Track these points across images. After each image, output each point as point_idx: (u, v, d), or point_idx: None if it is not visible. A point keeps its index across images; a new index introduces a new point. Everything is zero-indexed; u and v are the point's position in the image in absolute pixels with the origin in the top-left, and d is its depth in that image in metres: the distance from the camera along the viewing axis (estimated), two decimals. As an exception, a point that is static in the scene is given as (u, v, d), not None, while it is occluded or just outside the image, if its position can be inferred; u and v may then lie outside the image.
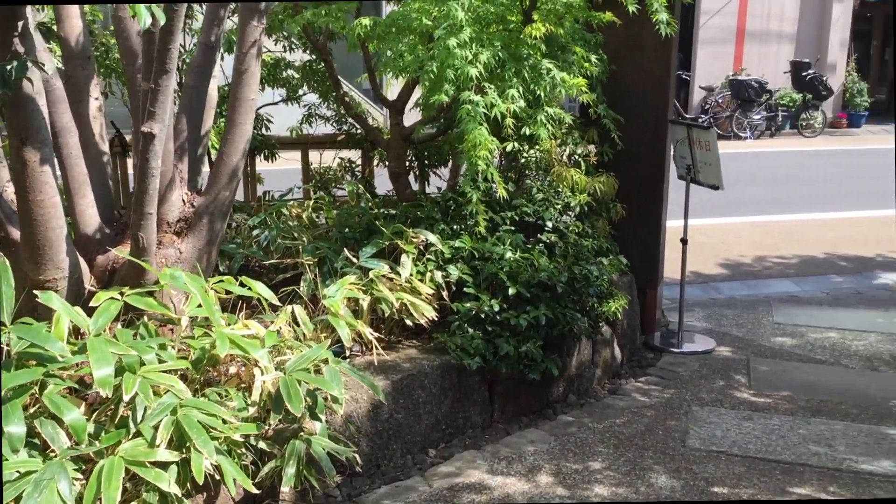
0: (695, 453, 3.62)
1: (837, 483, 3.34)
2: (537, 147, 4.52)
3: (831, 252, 7.67)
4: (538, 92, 3.89)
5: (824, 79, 15.26)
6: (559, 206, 4.56)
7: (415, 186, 5.10)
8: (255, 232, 4.24)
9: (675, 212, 5.37)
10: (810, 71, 15.23)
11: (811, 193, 10.13)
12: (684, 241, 5.18)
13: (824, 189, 10.40)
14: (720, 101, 15.14)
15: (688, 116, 14.78)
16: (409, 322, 3.74)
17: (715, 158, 4.88)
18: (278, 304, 3.30)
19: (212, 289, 3.12)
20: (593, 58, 4.31)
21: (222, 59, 4.37)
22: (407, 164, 4.97)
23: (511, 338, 3.77)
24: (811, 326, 5.55)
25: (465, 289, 3.85)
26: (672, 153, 5.23)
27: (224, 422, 2.68)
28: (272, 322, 3.28)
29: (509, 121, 3.76)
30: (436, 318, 3.75)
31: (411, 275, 3.80)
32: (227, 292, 3.22)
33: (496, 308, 3.78)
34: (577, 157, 4.73)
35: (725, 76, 15.48)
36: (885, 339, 5.28)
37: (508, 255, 4.00)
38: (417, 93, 4.54)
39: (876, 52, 19.04)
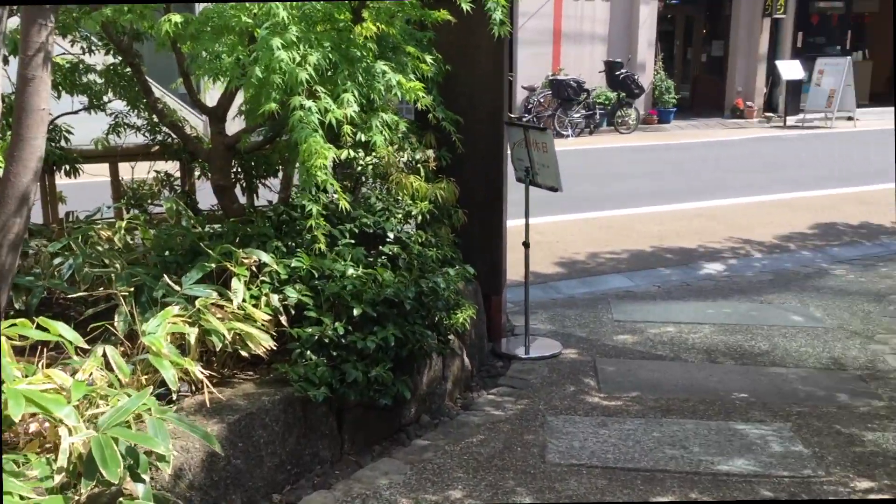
0: (556, 469, 3.49)
1: (698, 488, 3.31)
2: (374, 154, 4.25)
3: (658, 245, 7.92)
4: (372, 96, 3.62)
5: (636, 77, 16.01)
6: (400, 216, 4.32)
7: (243, 200, 4.68)
8: (58, 260, 3.70)
9: (514, 212, 5.29)
10: (623, 70, 15.93)
11: (635, 188, 10.51)
12: (526, 245, 5.09)
13: (646, 184, 10.83)
14: (542, 100, 15.52)
15: (513, 116, 15.03)
16: (244, 353, 3.37)
17: (552, 160, 4.81)
18: (86, 346, 2.83)
19: (3, 335, 2.62)
20: (428, 58, 4.09)
21: (6, 63, 3.80)
22: (233, 175, 4.55)
23: (359, 362, 3.48)
24: (649, 322, 5.64)
25: (305, 312, 3.52)
26: (509, 155, 5.13)
27: (22, 498, 2.22)
28: (81, 369, 2.81)
29: (347, 128, 3.47)
30: (275, 347, 3.39)
31: (244, 300, 3.42)
32: (23, 337, 2.73)
33: (341, 331, 3.48)
34: (415, 163, 4.51)
35: (545, 76, 15.90)
36: (717, 330, 5.43)
37: (351, 271, 3.71)
38: (241, 97, 4.14)
39: (679, 51, 20.27)
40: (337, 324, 3.50)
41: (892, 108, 18.94)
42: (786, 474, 3.36)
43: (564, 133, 15.20)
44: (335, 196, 3.63)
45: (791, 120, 17.09)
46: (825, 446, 3.63)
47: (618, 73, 15.87)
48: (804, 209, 9.27)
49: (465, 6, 3.77)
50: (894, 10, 20.44)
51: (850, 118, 16.80)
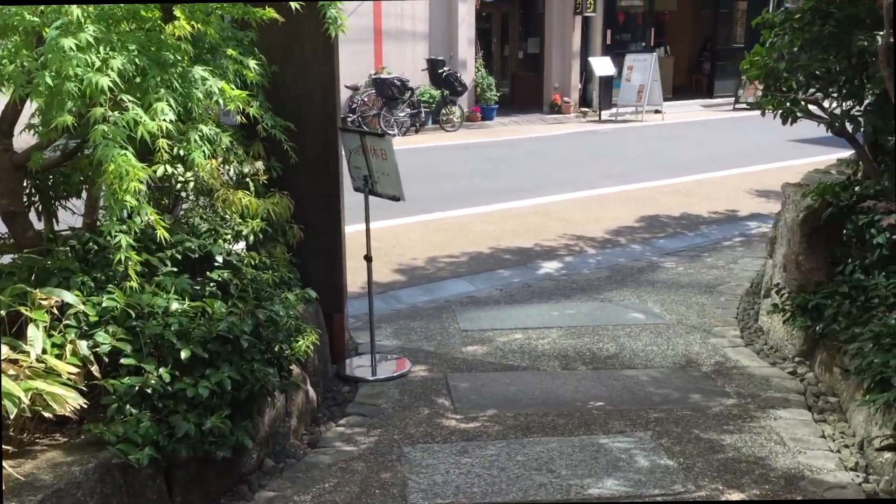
0: (420, 510, 3.20)
1: (571, 516, 3.14)
2: (196, 168, 3.77)
3: (496, 246, 7.84)
4: (190, 105, 3.16)
5: (458, 75, 16.04)
6: (229, 237, 3.88)
7: (39, 227, 4.04)
8: None
9: (351, 217, 4.97)
10: (445, 68, 15.91)
11: (467, 188, 10.44)
12: (369, 259, 4.76)
13: (478, 183, 10.79)
14: (366, 99, 15.20)
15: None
16: (48, 414, 2.82)
17: (393, 168, 4.51)
18: None
19: None
20: (252, 62, 3.67)
21: None
22: (25, 199, 3.90)
23: (191, 412, 3.02)
24: (497, 329, 5.48)
25: (122, 359, 3.02)
26: (346, 164, 4.78)
27: None
28: None
29: (163, 142, 3.00)
30: (84, 405, 2.87)
31: (45, 351, 2.87)
32: None
33: (167, 378, 3.01)
34: (243, 177, 4.06)
35: (368, 75, 15.59)
36: (565, 334, 5.35)
37: (175, 306, 3.24)
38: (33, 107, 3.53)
39: (497, 49, 20.60)
40: (161, 370, 3.03)
41: (693, 101, 20.32)
42: (658, 493, 3.26)
43: (391, 132, 14.96)
44: (152, 219, 3.14)
45: (605, 114, 17.78)
46: (689, 455, 3.58)
47: (441, 70, 15.84)
48: (628, 202, 9.53)
49: (295, 4, 3.40)
50: (694, 8, 21.83)
51: (657, 111, 17.70)
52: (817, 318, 4.31)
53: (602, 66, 17.50)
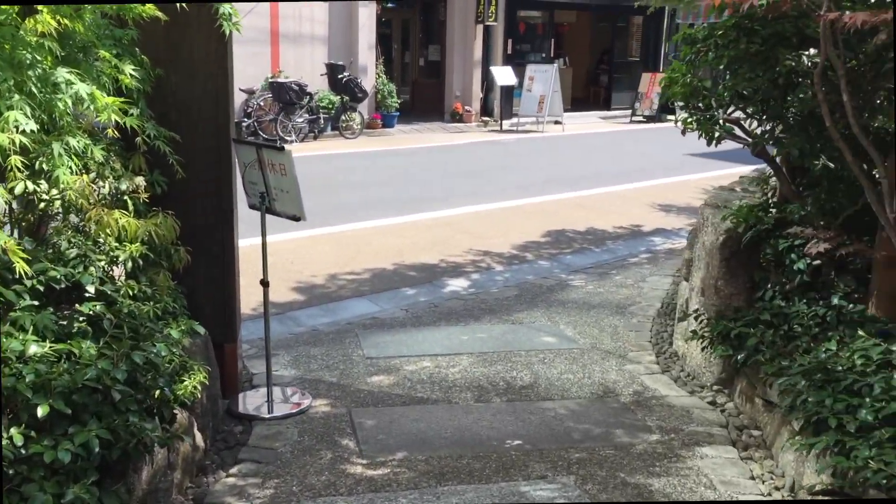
0: (325, 581, 2.82)
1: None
2: (62, 186, 3.26)
3: (400, 262, 7.50)
4: (55, 113, 2.69)
5: (359, 81, 15.62)
6: (103, 263, 3.38)
7: None
8: None
9: (244, 230, 4.53)
10: (345, 73, 15.47)
11: (368, 198, 10.05)
12: (265, 284, 4.33)
13: (380, 193, 10.41)
14: (262, 104, 14.59)
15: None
16: None
17: (293, 184, 4.10)
18: None
19: None
20: (128, 67, 3.20)
21: None
22: None
23: (49, 479, 2.54)
24: (404, 357, 5.13)
25: (-37, 419, 2.51)
26: (241, 178, 4.33)
27: None
28: None
29: (15, 159, 2.51)
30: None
31: None
32: None
33: (20, 440, 2.52)
34: (121, 194, 3.57)
35: (265, 78, 14.98)
36: (476, 361, 5.05)
37: (34, 349, 2.75)
38: None
39: (397, 55, 20.28)
40: (14, 430, 2.53)
41: (591, 113, 20.57)
42: (588, 551, 2.98)
43: (288, 138, 14.42)
44: (6, 246, 2.65)
45: (506, 124, 17.72)
46: None
47: (340, 76, 15.38)
48: (534, 215, 9.37)
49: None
50: (591, 21, 22.11)
51: (558, 122, 17.77)
52: (739, 347, 4.16)
53: (503, 75, 17.44)
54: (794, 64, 3.57)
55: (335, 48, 16.14)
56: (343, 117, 15.48)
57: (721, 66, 3.77)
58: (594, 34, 23.06)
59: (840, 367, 3.31)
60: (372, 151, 14.12)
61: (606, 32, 22.39)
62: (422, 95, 19.78)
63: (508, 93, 18.10)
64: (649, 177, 11.87)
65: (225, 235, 4.30)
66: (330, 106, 15.43)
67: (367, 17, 16.34)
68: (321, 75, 15.63)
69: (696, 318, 4.63)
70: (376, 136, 16.12)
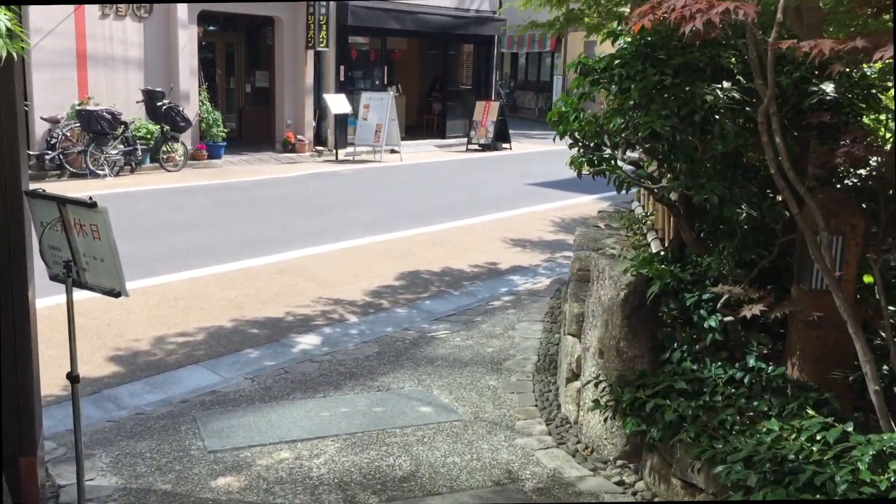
0: None
1: None
2: None
3: (239, 317, 6.57)
4: None
5: (181, 109, 14.36)
6: None
7: None
8: None
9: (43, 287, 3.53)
10: (165, 101, 14.17)
11: (196, 241, 8.97)
12: (74, 379, 3.34)
13: (210, 235, 9.35)
14: (68, 134, 13.03)
15: (31, 153, 12.34)
16: None
17: (109, 250, 3.18)
18: None
19: None
20: None
21: None
22: None
23: None
24: (256, 447, 4.26)
25: None
26: (38, 243, 3.35)
27: None
28: None
29: None
30: None
31: None
32: None
33: None
34: None
35: (71, 105, 13.41)
36: (344, 447, 4.27)
37: None
38: None
39: (222, 81, 19.04)
40: None
41: (427, 141, 20.21)
42: None
43: (100, 172, 12.96)
44: None
45: (342, 154, 16.98)
46: None
47: (160, 103, 14.06)
48: (384, 256, 8.68)
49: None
50: (423, 48, 21.82)
51: (394, 151, 17.24)
52: (652, 421, 3.64)
53: (337, 103, 16.73)
54: (712, 99, 3.12)
55: (153, 73, 14.78)
56: (164, 148, 14.16)
57: (630, 101, 3.27)
58: (425, 62, 22.85)
59: (792, 455, 2.84)
60: (199, 186, 12.93)
61: (438, 60, 22.21)
62: (251, 124, 18.66)
63: (343, 121, 17.38)
64: (496, 208, 11.51)
65: (16, 314, 3.31)
66: (149, 136, 14.06)
67: (187, 40, 15.11)
68: (137, 102, 14.24)
69: (596, 385, 4.09)
70: (202, 168, 14.88)
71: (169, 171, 14.06)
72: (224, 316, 6.58)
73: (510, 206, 11.76)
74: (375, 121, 16.68)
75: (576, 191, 13.19)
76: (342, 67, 18.03)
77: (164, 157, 14.16)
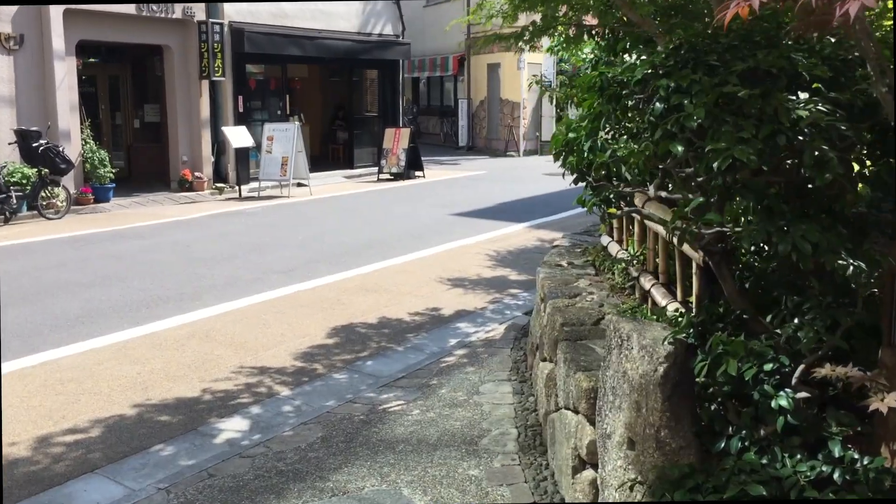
0: None
1: None
2: None
3: (144, 401, 5.40)
4: None
5: (61, 149, 12.88)
6: None
7: None
8: None
9: None
10: (42, 141, 12.67)
11: (88, 304, 7.66)
12: None
13: (102, 295, 8.03)
14: (-71, 182, 11.39)
15: None
16: None
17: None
18: None
19: None
20: None
21: None
22: None
23: None
24: None
25: None
26: None
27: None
28: None
29: None
30: None
31: None
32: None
33: None
34: None
35: (-69, 150, 11.78)
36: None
37: None
38: None
39: (106, 116, 17.47)
40: None
41: (335, 172, 19.13)
42: None
43: (-31, 225, 11.36)
44: None
45: (245, 190, 15.75)
46: None
47: (35, 144, 12.54)
48: (311, 308, 7.60)
49: None
50: (324, 75, 20.75)
51: (302, 185, 16.11)
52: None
53: (237, 136, 15.50)
54: (807, 115, 2.29)
55: (26, 111, 13.23)
56: (43, 193, 12.63)
57: (692, 122, 2.40)
58: (328, 89, 21.81)
59: None
60: (86, 235, 11.47)
61: (341, 87, 21.21)
62: (141, 162, 17.18)
63: (244, 155, 16.16)
64: (424, 243, 10.57)
65: None
66: (24, 181, 12.51)
67: (65, 74, 13.62)
68: (10, 144, 12.68)
69: (630, 488, 3.18)
70: (89, 213, 13.39)
71: (50, 219, 12.54)
72: (125, 400, 5.39)
73: (438, 239, 10.83)
74: (281, 153, 15.53)
75: (504, 219, 12.44)
76: (240, 97, 16.81)
77: (44, 203, 12.63)
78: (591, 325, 4.52)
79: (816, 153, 2.32)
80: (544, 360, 4.93)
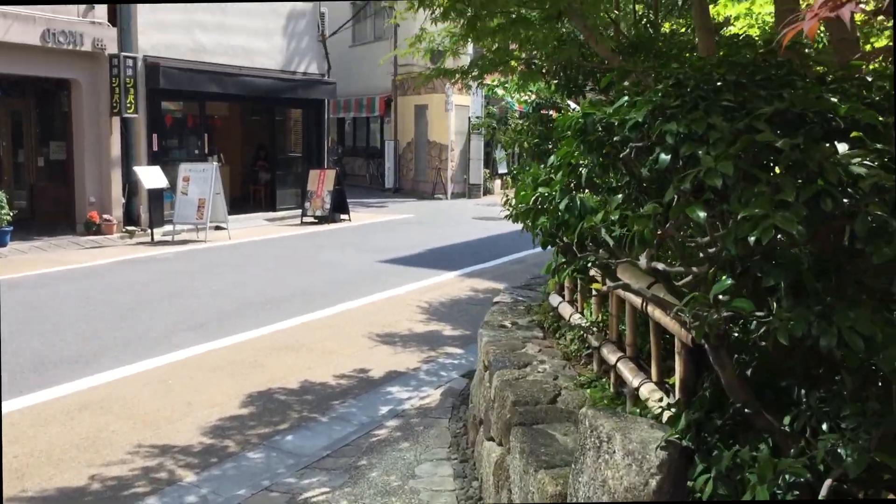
0: None
1: None
2: None
3: (18, 494, 4.57)
4: None
5: (-49, 189, 11.75)
6: None
7: None
8: None
9: None
10: (-71, 179, 11.52)
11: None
12: None
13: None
14: None
15: None
16: None
17: None
18: None
19: None
20: None
21: None
22: None
23: None
24: None
25: None
26: None
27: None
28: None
29: None
30: None
31: None
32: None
33: None
34: None
35: None
36: None
37: None
38: None
39: (6, 154, 16.25)
40: None
41: (256, 215, 18.28)
42: None
43: None
44: None
45: (158, 234, 14.75)
46: None
47: (-79, 183, 11.41)
48: (224, 370, 6.80)
49: None
50: (245, 113, 19.98)
51: (220, 228, 15.21)
52: None
53: (151, 176, 14.53)
54: (860, 172, 1.76)
55: (-87, 147, 12.07)
56: (-71, 238, 11.46)
57: (716, 181, 1.83)
58: (250, 128, 20.98)
59: None
60: (-25, 285, 10.37)
61: (263, 126, 20.42)
62: (44, 203, 15.99)
63: (158, 197, 15.16)
64: (351, 294, 9.86)
65: None
66: None
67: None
68: None
69: None
70: (-19, 259, 12.22)
71: (-64, 266, 11.35)
72: (-5, 494, 4.51)
73: (365, 289, 10.14)
74: (197, 195, 14.63)
75: (435, 267, 11.84)
76: (155, 136, 15.87)
77: (-71, 249, 11.45)
78: (548, 403, 3.94)
79: (873, 221, 1.79)
80: (491, 439, 4.31)
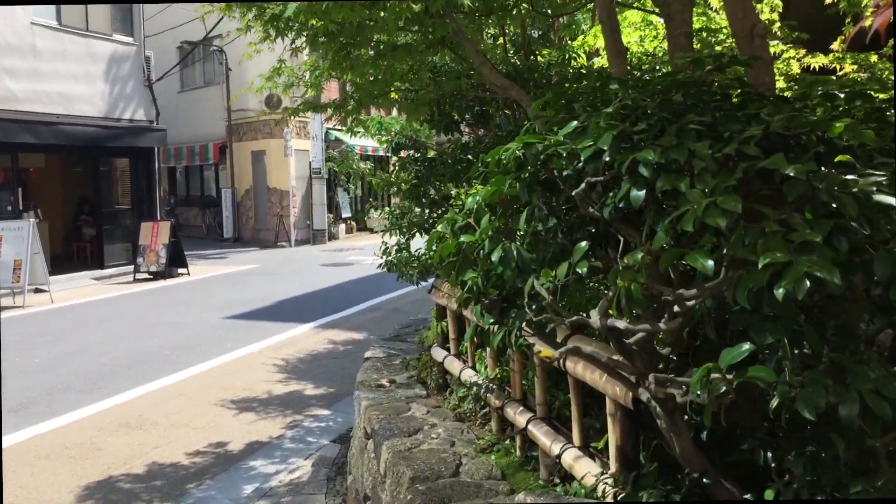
0: None
1: None
2: None
3: None
4: None
5: None
6: None
7: None
8: None
9: None
10: None
11: None
12: None
13: None
14: None
15: None
16: None
17: None
18: None
19: None
20: None
21: None
22: None
23: None
24: None
25: None
26: None
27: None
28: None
29: None
30: None
31: None
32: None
33: None
34: None
35: None
36: None
37: None
38: None
39: None
40: None
41: (82, 273, 16.74)
42: None
43: None
44: None
45: (-33, 301, 13.11)
46: None
47: None
48: (54, 460, 5.87)
49: None
50: (65, 165, 18.45)
51: (40, 290, 13.75)
52: None
53: (-44, 237, 12.93)
54: (889, 204, 1.46)
55: None
56: None
57: (719, 221, 1.47)
58: (70, 180, 19.35)
59: None
60: None
61: (85, 178, 18.86)
62: None
63: (-35, 260, 13.50)
64: (198, 356, 9.00)
65: None
66: None
67: None
68: None
69: None
70: None
71: None
72: None
73: (216, 350, 9.31)
74: (13, 256, 13.16)
75: (287, 320, 11.14)
76: (-42, 192, 14.21)
77: None
78: (450, 476, 3.48)
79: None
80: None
